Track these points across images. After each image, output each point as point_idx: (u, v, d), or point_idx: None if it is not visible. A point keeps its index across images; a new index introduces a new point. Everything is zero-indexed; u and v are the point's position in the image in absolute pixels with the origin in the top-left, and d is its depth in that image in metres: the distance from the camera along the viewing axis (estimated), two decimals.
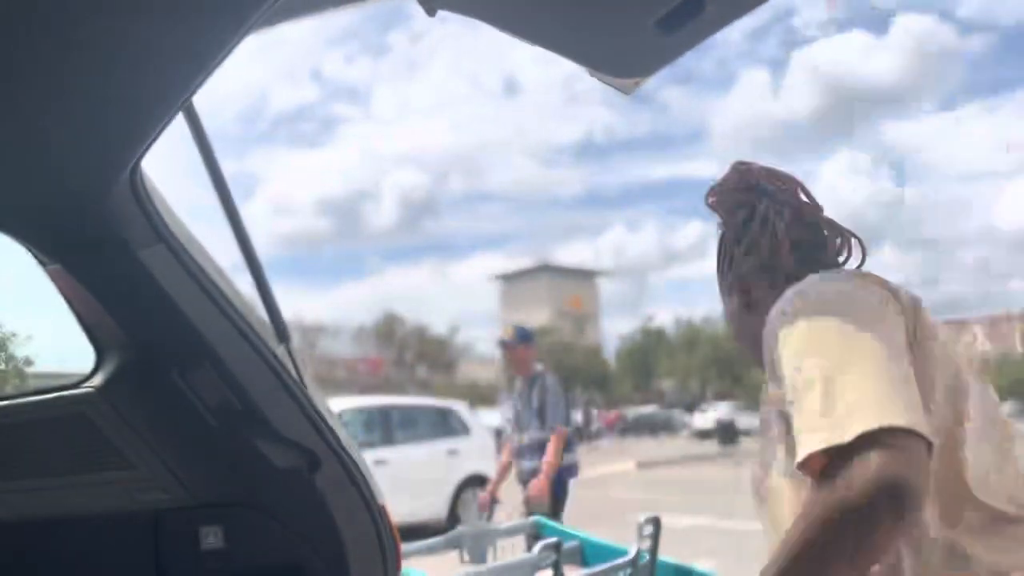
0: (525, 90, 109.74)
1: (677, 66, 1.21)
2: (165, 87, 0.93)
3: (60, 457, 1.46)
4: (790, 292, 1.04)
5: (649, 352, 49.03)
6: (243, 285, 1.37)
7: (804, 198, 1.25)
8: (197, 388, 1.31)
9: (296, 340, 1.44)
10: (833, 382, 0.88)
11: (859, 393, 0.86)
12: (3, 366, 1.58)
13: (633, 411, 39.72)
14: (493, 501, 4.87)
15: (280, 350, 1.37)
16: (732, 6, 1.07)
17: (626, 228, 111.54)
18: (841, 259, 1.22)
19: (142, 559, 1.47)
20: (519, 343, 4.74)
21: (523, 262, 71.74)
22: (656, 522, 2.26)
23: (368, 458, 1.57)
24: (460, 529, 2.78)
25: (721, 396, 42.67)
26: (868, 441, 0.82)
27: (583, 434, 24.78)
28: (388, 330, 44.26)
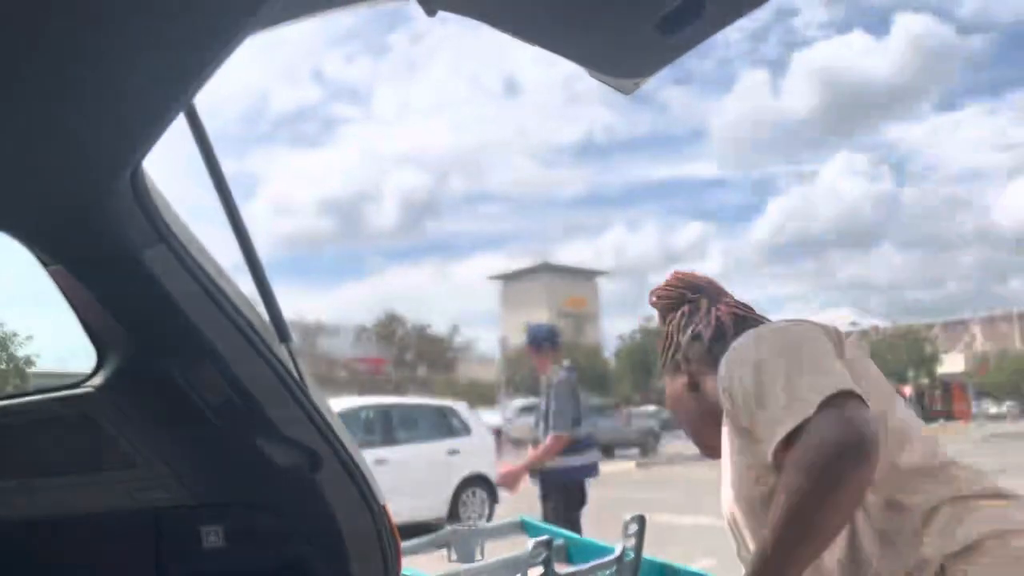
0: (525, 90, 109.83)
1: (677, 66, 1.21)
2: (166, 87, 0.93)
3: (61, 457, 1.46)
4: (733, 347, 1.21)
5: (649, 352, 48.98)
6: (244, 285, 1.38)
7: (737, 301, 1.45)
8: (198, 388, 1.31)
9: (296, 340, 1.44)
10: (790, 380, 1.05)
11: (811, 379, 1.03)
12: (4, 366, 1.58)
13: (634, 411, 39.67)
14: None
15: (281, 350, 1.37)
16: (732, 7, 1.08)
17: (626, 228, 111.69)
18: None
19: (143, 558, 1.47)
20: (544, 343, 4.76)
21: (523, 262, 71.74)
22: (641, 521, 2.28)
23: (368, 458, 1.57)
24: (448, 528, 2.79)
25: None
26: (822, 409, 0.98)
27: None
28: (388, 330, 44.23)
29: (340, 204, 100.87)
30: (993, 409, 40.76)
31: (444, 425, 10.17)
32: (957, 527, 1.03)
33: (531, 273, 68.59)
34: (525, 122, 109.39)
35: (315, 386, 1.42)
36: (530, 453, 4.83)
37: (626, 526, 2.28)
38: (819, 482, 0.95)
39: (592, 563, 2.22)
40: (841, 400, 0.99)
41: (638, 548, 2.28)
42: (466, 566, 2.49)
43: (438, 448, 9.74)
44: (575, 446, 4.54)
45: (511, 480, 4.62)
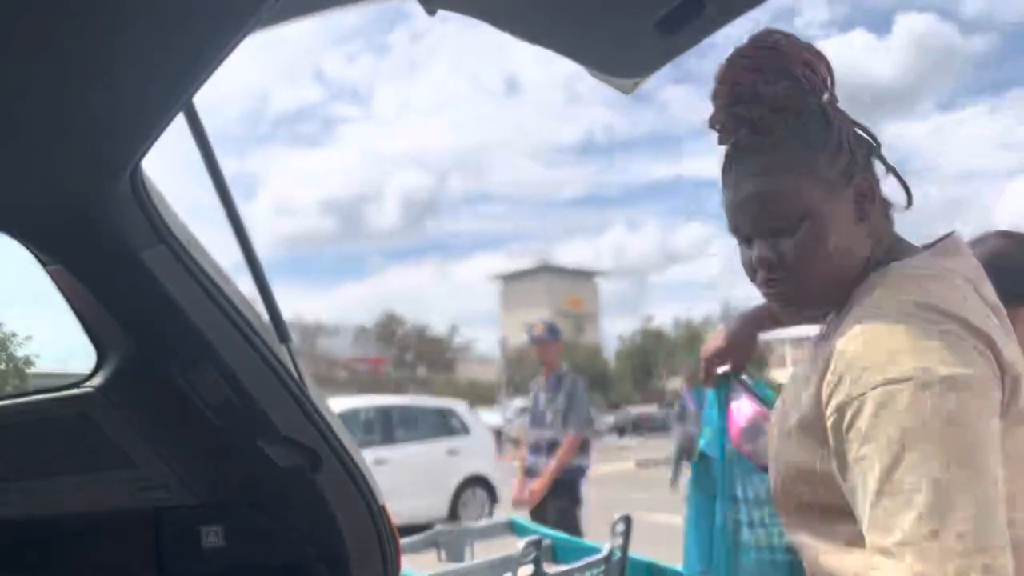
0: (526, 90, 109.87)
1: (678, 65, 1.21)
2: (165, 87, 0.93)
3: (61, 457, 1.46)
4: (889, 324, 0.89)
5: (649, 352, 49.04)
6: (244, 285, 1.38)
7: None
8: (198, 388, 1.31)
9: (296, 340, 1.44)
10: (939, 505, 0.79)
11: (964, 524, 0.78)
12: (3, 366, 1.58)
13: (635, 411, 39.74)
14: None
15: (281, 350, 1.37)
16: (731, 6, 1.08)
17: (626, 228, 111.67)
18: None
19: (143, 558, 1.47)
20: (550, 339, 4.74)
21: (523, 262, 71.80)
22: (627, 520, 2.30)
23: (368, 458, 1.57)
24: (438, 528, 2.80)
25: None
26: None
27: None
28: (388, 330, 44.25)
29: (340, 204, 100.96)
30: None
31: (444, 425, 10.16)
32: None
33: (531, 273, 68.63)
34: (525, 122, 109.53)
35: (315, 386, 1.42)
36: (522, 455, 4.82)
37: (613, 526, 2.30)
38: None
39: (580, 562, 2.23)
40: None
41: (624, 547, 2.29)
42: (456, 566, 2.50)
43: (438, 448, 9.74)
44: (580, 446, 4.55)
45: (537, 497, 4.44)
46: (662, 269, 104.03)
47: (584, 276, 71.65)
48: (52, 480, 1.48)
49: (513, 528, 2.95)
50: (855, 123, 1.03)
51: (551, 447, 4.53)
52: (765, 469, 1.33)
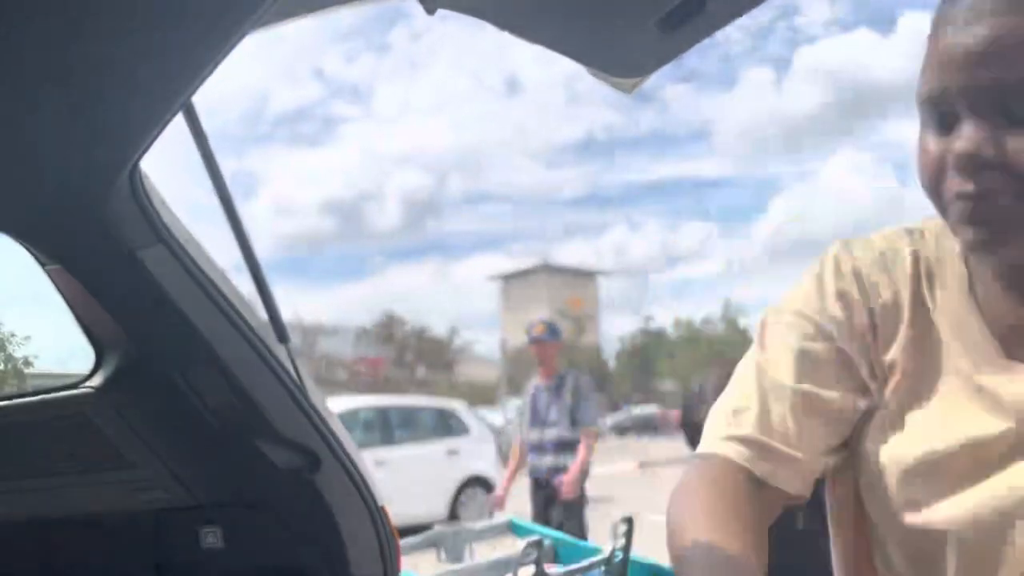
0: (527, 89, 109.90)
1: (679, 64, 1.21)
2: (165, 87, 0.93)
3: (60, 457, 1.46)
4: None
5: (649, 352, 49.06)
6: (243, 285, 1.37)
7: None
8: (197, 388, 1.31)
9: (296, 340, 1.44)
10: None
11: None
12: (2, 366, 1.58)
13: (636, 410, 39.75)
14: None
15: (280, 350, 1.37)
16: (733, 4, 1.07)
17: (627, 228, 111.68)
18: None
19: (142, 559, 1.47)
20: (551, 339, 4.70)
21: (524, 262, 71.81)
22: (630, 522, 2.30)
23: (368, 458, 1.57)
24: (437, 529, 2.80)
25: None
26: None
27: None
28: (388, 330, 44.24)
29: (341, 204, 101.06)
30: None
31: (444, 425, 10.17)
32: None
33: (531, 273, 68.67)
34: (526, 121, 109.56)
35: (314, 387, 1.42)
36: (517, 452, 4.81)
37: (615, 527, 2.30)
38: None
39: (581, 563, 2.23)
40: None
41: (626, 549, 2.29)
42: (456, 566, 2.50)
43: (438, 448, 9.75)
44: (572, 445, 4.54)
45: (575, 487, 4.46)
46: (663, 269, 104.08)
47: (584, 276, 71.67)
48: (50, 481, 1.48)
49: (513, 528, 2.96)
50: None
51: (557, 446, 4.52)
52: None
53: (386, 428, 9.62)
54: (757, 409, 0.83)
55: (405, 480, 8.47)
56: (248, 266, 1.30)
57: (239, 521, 1.44)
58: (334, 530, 1.40)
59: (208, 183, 1.24)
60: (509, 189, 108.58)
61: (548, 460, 4.54)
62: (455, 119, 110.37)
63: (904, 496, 0.79)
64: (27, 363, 1.57)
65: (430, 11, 1.09)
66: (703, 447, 0.86)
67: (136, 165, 1.11)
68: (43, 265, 1.26)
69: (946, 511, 0.75)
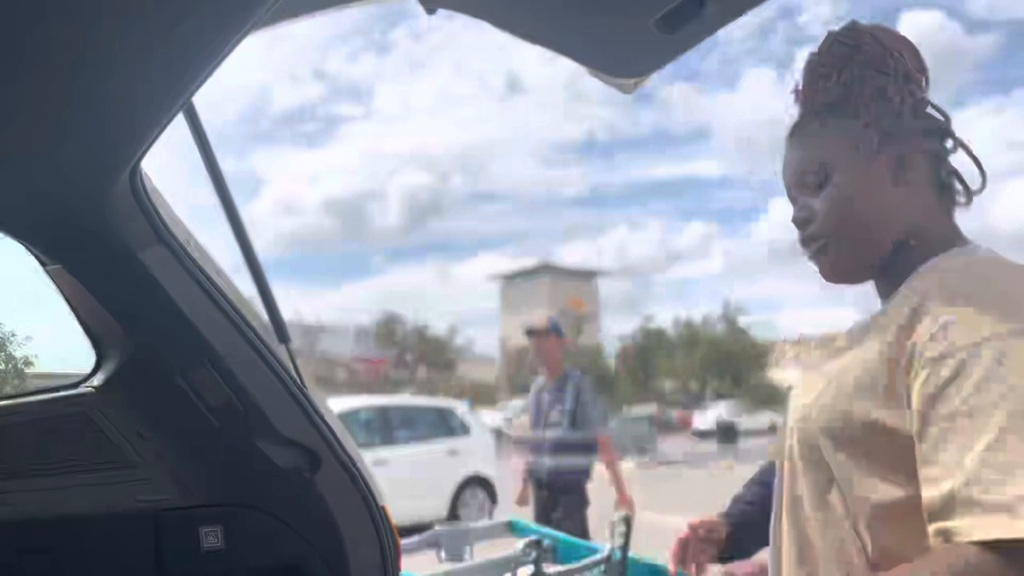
0: (528, 89, 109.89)
1: (680, 64, 1.21)
2: (165, 87, 0.93)
3: (60, 457, 1.46)
4: (992, 287, 0.85)
5: (649, 352, 49.05)
6: (243, 285, 1.38)
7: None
8: (197, 388, 1.31)
9: (297, 340, 1.44)
10: None
11: None
12: (3, 366, 1.58)
13: (635, 410, 39.74)
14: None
15: (280, 350, 1.37)
16: (732, 5, 1.07)
17: (628, 228, 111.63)
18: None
19: (142, 559, 1.47)
20: (552, 333, 4.58)
21: (525, 262, 71.83)
22: (627, 521, 2.30)
23: (368, 458, 1.57)
24: (437, 529, 2.80)
25: (720, 396, 42.75)
26: None
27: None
28: (388, 330, 44.24)
29: (341, 204, 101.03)
30: None
31: (444, 425, 10.17)
32: None
33: (531, 273, 68.68)
34: (527, 121, 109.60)
35: (314, 386, 1.42)
36: (522, 458, 4.75)
37: (613, 526, 2.30)
38: None
39: (580, 563, 2.24)
40: None
41: (624, 547, 2.30)
42: (456, 566, 2.50)
43: (438, 448, 9.74)
44: (585, 447, 4.48)
45: (626, 503, 4.38)
46: (664, 269, 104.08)
47: (585, 276, 71.64)
48: (51, 480, 1.48)
49: (513, 528, 2.96)
50: (927, 102, 1.03)
51: (559, 448, 4.45)
52: None
53: (386, 428, 9.61)
54: None
55: (405, 480, 8.47)
56: (248, 266, 1.30)
57: (239, 521, 1.44)
58: (334, 530, 1.40)
59: (208, 183, 1.24)
60: (510, 189, 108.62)
61: (547, 461, 4.50)
62: (456, 119, 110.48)
63: None
64: (28, 363, 1.57)
65: (430, 11, 1.09)
66: None
67: (137, 165, 1.11)
68: (44, 265, 1.26)
69: None
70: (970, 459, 0.76)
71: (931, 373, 0.82)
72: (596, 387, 4.84)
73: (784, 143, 1.08)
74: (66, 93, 0.92)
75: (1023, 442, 0.74)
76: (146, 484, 1.44)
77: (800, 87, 1.08)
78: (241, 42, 0.87)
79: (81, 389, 1.36)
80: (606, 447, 4.45)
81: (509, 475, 4.91)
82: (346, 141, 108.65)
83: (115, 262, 1.20)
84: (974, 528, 0.74)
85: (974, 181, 1.01)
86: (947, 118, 1.04)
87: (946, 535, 0.77)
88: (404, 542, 2.54)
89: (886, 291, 1.00)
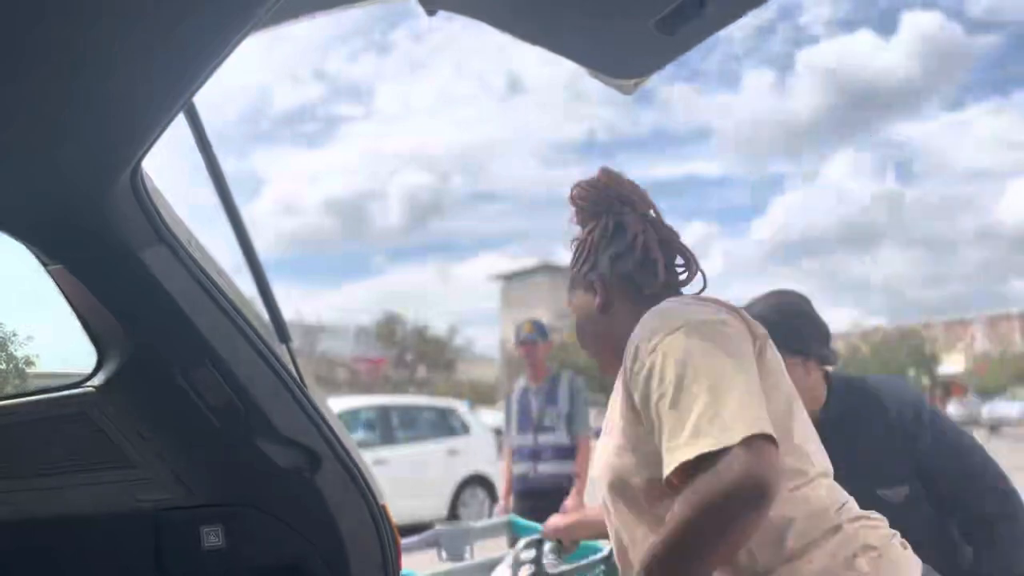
0: (528, 89, 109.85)
1: (681, 65, 1.22)
2: (165, 87, 0.93)
3: (61, 457, 1.46)
4: (659, 314, 1.16)
5: None
6: (244, 285, 1.38)
7: (662, 222, 1.38)
8: (198, 388, 1.31)
9: (297, 340, 1.44)
10: (717, 395, 1.02)
11: (737, 404, 1.01)
12: (4, 366, 1.58)
13: None
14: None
15: (281, 350, 1.37)
16: (732, 6, 1.08)
17: None
18: (689, 282, 1.37)
19: (143, 558, 1.47)
20: (540, 339, 4.34)
21: (525, 262, 71.81)
22: None
23: (368, 458, 1.57)
24: (437, 528, 2.79)
25: None
26: (736, 447, 0.97)
27: None
28: (388, 330, 44.22)
29: (342, 204, 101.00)
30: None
31: (444, 425, 10.16)
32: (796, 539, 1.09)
33: (532, 273, 68.63)
34: (527, 121, 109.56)
35: (315, 386, 1.42)
36: (508, 460, 4.56)
37: None
38: (715, 525, 0.97)
39: (582, 561, 2.23)
40: (758, 443, 0.97)
41: None
42: (456, 565, 2.50)
43: (438, 448, 9.74)
44: (571, 451, 4.31)
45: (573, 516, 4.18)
46: None
47: None
48: (51, 480, 1.48)
49: (513, 528, 2.96)
50: (623, 224, 1.35)
51: (552, 452, 4.26)
52: None
53: (386, 428, 9.61)
54: None
55: (405, 479, 8.47)
56: (249, 266, 1.30)
57: (240, 520, 1.44)
58: (334, 529, 1.40)
59: (209, 183, 1.24)
60: (510, 189, 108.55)
61: (539, 466, 4.22)
62: (456, 119, 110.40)
63: None
64: (28, 363, 1.57)
65: (430, 12, 1.09)
66: None
67: (138, 165, 1.11)
68: (45, 265, 1.26)
69: None
70: (664, 427, 1.05)
71: (639, 384, 1.12)
72: (591, 387, 4.65)
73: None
74: (66, 93, 0.92)
75: (685, 400, 1.04)
76: (146, 484, 1.44)
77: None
78: (241, 42, 0.87)
79: (82, 389, 1.36)
80: (586, 453, 4.19)
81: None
82: (346, 141, 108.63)
83: (116, 262, 1.21)
84: (668, 466, 1.02)
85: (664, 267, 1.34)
86: (646, 235, 1.33)
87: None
88: (404, 542, 2.54)
89: None
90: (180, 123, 1.10)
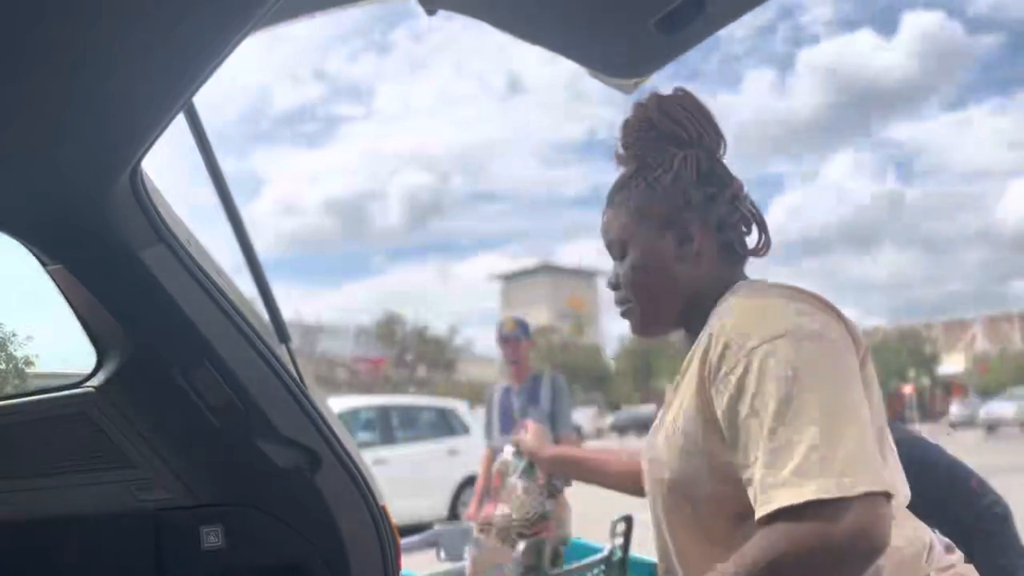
0: (528, 89, 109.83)
1: (681, 64, 1.22)
2: (165, 87, 0.93)
3: (60, 457, 1.46)
4: (758, 309, 1.01)
5: (649, 352, 49.04)
6: (244, 285, 1.38)
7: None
8: (197, 388, 1.31)
9: (297, 340, 1.44)
10: (828, 430, 0.90)
11: (854, 445, 0.89)
12: (3, 366, 1.58)
13: (634, 410, 39.74)
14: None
15: (281, 350, 1.37)
16: (732, 6, 1.08)
17: None
18: (766, 253, 1.20)
19: (142, 559, 1.47)
20: (523, 337, 4.24)
21: (525, 262, 71.84)
22: (628, 521, 2.30)
23: (368, 458, 1.57)
24: (437, 528, 2.80)
25: None
26: (851, 502, 0.86)
27: None
28: (388, 330, 44.21)
29: (342, 204, 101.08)
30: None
31: (443, 425, 10.16)
32: None
33: (532, 273, 68.67)
34: (527, 121, 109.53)
35: (314, 386, 1.42)
36: (482, 473, 4.21)
37: (614, 526, 2.30)
38: (805, 570, 0.88)
39: (581, 562, 2.24)
40: (878, 500, 0.87)
41: (625, 547, 2.30)
42: (456, 565, 2.50)
43: (438, 448, 9.73)
44: None
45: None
46: None
47: (585, 276, 71.58)
48: (51, 480, 1.48)
49: None
50: (716, 171, 1.15)
51: None
52: None
53: (386, 428, 9.61)
54: None
55: (405, 479, 8.46)
56: (249, 266, 1.30)
57: (239, 521, 1.44)
58: (334, 529, 1.40)
59: (209, 183, 1.24)
60: (511, 189, 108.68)
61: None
62: (456, 119, 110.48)
63: None
64: (28, 363, 1.57)
65: (430, 12, 1.09)
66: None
67: (137, 165, 1.11)
68: (44, 265, 1.26)
69: None
70: (760, 453, 0.92)
71: (722, 391, 0.98)
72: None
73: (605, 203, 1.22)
74: (66, 93, 0.92)
75: (789, 428, 0.91)
76: (146, 484, 1.44)
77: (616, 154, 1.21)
78: (241, 42, 0.87)
79: (82, 389, 1.36)
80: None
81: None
82: (346, 141, 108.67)
83: (115, 262, 1.20)
84: (764, 505, 0.91)
85: (762, 230, 1.17)
86: (736, 183, 1.16)
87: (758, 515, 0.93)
88: (404, 542, 2.54)
89: (692, 338, 1.13)
90: (180, 123, 1.10)
